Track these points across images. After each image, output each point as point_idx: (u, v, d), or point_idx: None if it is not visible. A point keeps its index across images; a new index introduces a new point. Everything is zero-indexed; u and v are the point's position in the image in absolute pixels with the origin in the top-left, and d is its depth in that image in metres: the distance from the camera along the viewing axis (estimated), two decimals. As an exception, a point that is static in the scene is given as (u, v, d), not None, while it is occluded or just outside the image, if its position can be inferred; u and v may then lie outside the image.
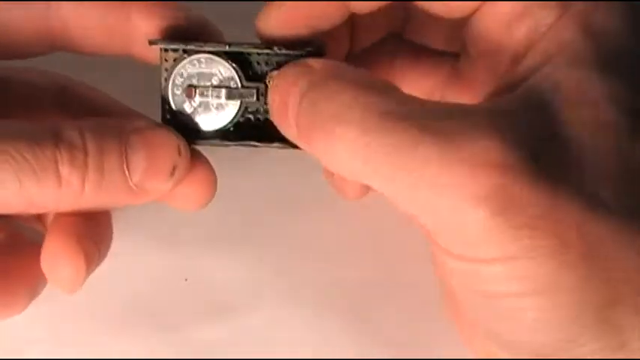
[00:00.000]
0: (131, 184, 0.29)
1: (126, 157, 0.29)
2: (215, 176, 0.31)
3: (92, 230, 0.30)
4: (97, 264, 0.31)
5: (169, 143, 0.30)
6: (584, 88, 0.27)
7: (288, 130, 0.29)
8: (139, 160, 0.29)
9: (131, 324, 0.38)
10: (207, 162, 0.31)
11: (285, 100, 0.29)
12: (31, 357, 0.37)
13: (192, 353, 0.38)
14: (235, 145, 0.31)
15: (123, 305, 0.38)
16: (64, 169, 0.28)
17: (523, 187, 0.25)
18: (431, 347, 0.37)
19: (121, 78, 0.36)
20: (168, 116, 0.31)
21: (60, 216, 0.30)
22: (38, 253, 0.30)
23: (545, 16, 0.29)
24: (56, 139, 0.28)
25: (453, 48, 0.35)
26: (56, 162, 0.28)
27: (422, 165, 0.26)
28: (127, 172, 0.29)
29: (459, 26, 0.33)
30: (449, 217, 0.26)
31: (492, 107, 0.28)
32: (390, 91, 0.28)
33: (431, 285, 0.36)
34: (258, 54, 0.31)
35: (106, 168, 0.29)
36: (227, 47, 0.30)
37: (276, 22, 0.30)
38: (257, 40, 0.31)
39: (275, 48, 0.30)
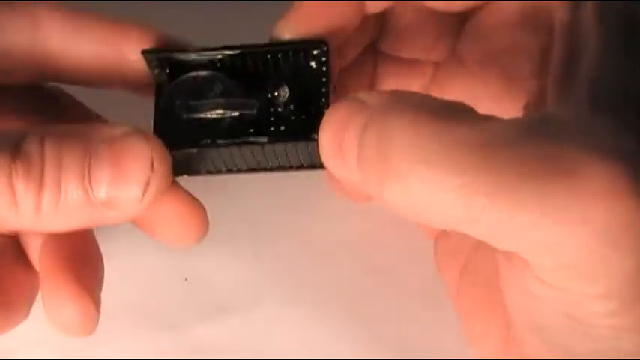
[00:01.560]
0: (95, 202, 0.26)
1: (89, 172, 0.26)
2: (204, 210, 0.29)
3: (86, 260, 0.29)
4: (100, 293, 0.29)
5: (140, 154, 0.26)
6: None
7: (347, 176, 0.26)
8: (102, 175, 0.26)
9: (130, 324, 0.38)
10: (191, 197, 0.29)
11: (340, 142, 0.26)
12: (31, 357, 0.37)
13: (192, 353, 0.38)
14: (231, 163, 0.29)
15: (122, 305, 0.38)
16: (19, 186, 0.26)
17: None
18: (431, 347, 0.37)
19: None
20: (161, 132, 0.29)
21: (48, 249, 0.29)
22: (28, 262, 0.29)
23: (561, 13, 0.28)
24: (14, 151, 0.26)
25: (431, 57, 0.34)
26: (10, 176, 0.26)
27: (543, 201, 0.23)
28: (89, 189, 0.26)
29: (440, 34, 0.32)
30: (571, 254, 0.23)
31: (579, 120, 0.25)
32: (468, 114, 0.25)
33: (431, 285, 0.36)
34: (258, 63, 0.29)
35: (65, 184, 0.26)
36: (223, 52, 0.28)
37: (294, 25, 0.29)
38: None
39: (268, 50, 0.28)
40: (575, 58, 0.27)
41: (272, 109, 0.29)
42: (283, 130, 0.28)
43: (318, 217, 0.39)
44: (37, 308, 0.31)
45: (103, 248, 0.31)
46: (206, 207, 0.30)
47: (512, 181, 0.23)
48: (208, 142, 0.28)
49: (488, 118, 0.25)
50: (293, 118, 0.29)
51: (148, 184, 0.26)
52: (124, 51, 0.29)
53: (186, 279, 0.39)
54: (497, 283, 0.31)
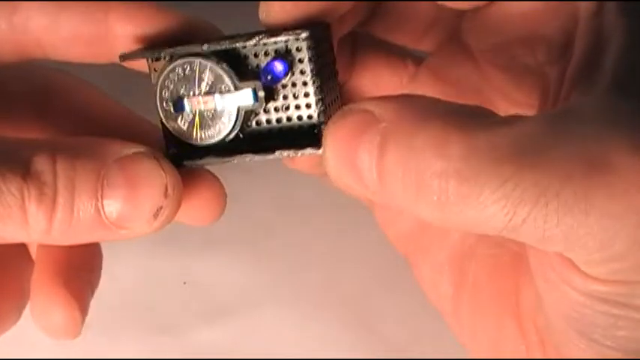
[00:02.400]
0: (107, 222, 0.26)
1: (101, 195, 0.25)
2: (224, 190, 0.29)
3: (81, 263, 0.29)
4: (92, 297, 0.29)
5: (154, 182, 0.26)
6: None
7: (361, 191, 0.25)
8: (115, 197, 0.25)
9: (130, 326, 0.38)
10: (214, 178, 0.29)
11: (351, 159, 0.24)
12: (31, 357, 0.37)
13: (192, 355, 0.38)
14: (237, 159, 0.27)
15: (122, 308, 0.38)
16: (31, 207, 0.25)
17: None
18: (431, 347, 0.37)
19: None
20: (168, 138, 0.27)
21: (43, 253, 0.29)
22: (20, 266, 0.29)
23: (586, 5, 0.28)
24: (25, 172, 0.25)
25: (419, 46, 0.33)
26: (23, 198, 0.25)
27: (587, 201, 0.23)
28: (102, 211, 0.25)
29: (433, 23, 0.32)
30: (618, 247, 0.23)
31: (604, 111, 0.25)
32: (489, 118, 0.24)
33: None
34: (245, 46, 0.26)
35: (77, 207, 0.25)
36: (203, 47, 0.26)
37: (281, 8, 0.27)
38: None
39: (258, 37, 0.25)
40: (598, 50, 0.27)
41: (272, 101, 0.27)
42: (284, 135, 0.27)
43: (317, 220, 0.39)
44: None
45: (103, 252, 0.31)
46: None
47: (553, 186, 0.23)
48: (212, 159, 0.27)
49: (510, 120, 0.24)
50: (292, 112, 0.27)
51: (161, 208, 0.26)
52: (110, 25, 0.28)
53: (184, 283, 0.39)
54: (507, 290, 0.31)
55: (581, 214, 0.23)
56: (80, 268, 0.29)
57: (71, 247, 0.28)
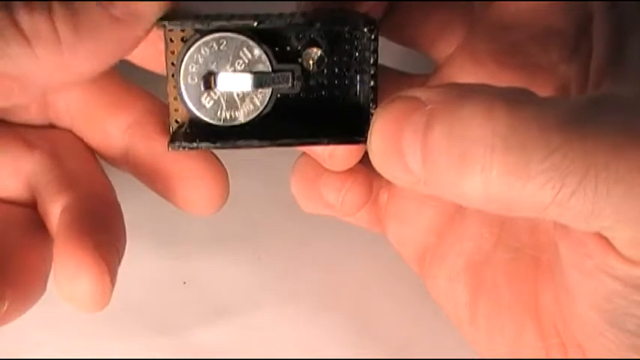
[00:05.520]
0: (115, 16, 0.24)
1: None
2: (226, 175, 0.29)
3: (108, 228, 0.27)
4: (118, 266, 0.27)
5: None
6: None
7: (404, 178, 0.24)
8: None
9: (130, 327, 0.38)
10: (217, 163, 0.29)
11: (396, 145, 0.24)
12: (31, 357, 0.37)
13: (192, 355, 0.38)
14: (268, 145, 0.26)
15: (122, 308, 0.38)
16: (24, 21, 0.23)
17: None
18: (431, 347, 0.37)
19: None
20: (177, 119, 0.26)
21: (67, 213, 0.27)
22: (46, 233, 0.28)
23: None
24: None
25: (430, 52, 0.33)
26: (11, 13, 0.23)
27: (638, 171, 0.22)
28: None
29: (444, 29, 0.32)
30: None
31: None
32: (532, 96, 0.24)
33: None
34: (291, 28, 0.25)
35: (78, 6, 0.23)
36: (255, 23, 0.24)
37: None
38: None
39: (319, 23, 0.25)
40: (620, 40, 0.27)
41: (308, 86, 0.26)
42: (321, 125, 0.26)
43: (318, 219, 0.39)
44: (38, 309, 0.32)
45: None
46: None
47: (603, 156, 0.22)
48: (230, 142, 0.26)
49: (555, 97, 0.24)
50: (334, 106, 0.26)
51: None
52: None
53: (184, 282, 0.39)
54: (526, 294, 0.31)
55: (631, 185, 0.22)
56: (106, 232, 0.27)
57: (94, 211, 0.27)
